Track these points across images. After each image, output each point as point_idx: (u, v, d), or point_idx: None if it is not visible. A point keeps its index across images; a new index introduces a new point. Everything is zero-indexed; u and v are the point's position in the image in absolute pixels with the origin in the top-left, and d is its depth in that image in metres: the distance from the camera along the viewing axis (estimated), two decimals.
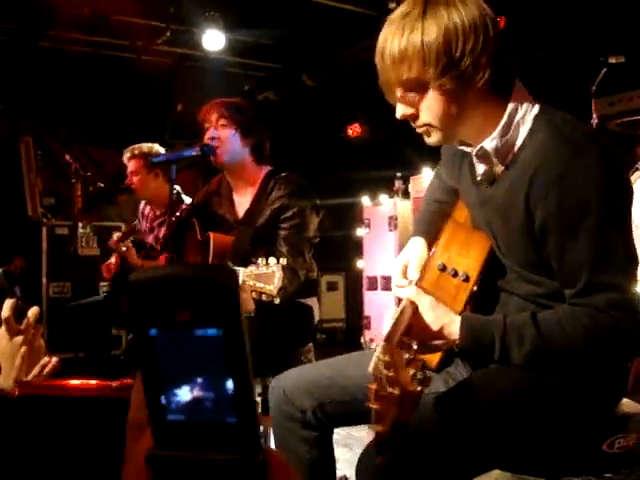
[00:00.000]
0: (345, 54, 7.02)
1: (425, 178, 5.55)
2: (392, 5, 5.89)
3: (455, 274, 1.65)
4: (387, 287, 5.95)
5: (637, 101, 4.53)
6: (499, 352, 1.48)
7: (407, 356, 1.23)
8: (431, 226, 1.89)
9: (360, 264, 6.43)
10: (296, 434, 1.83)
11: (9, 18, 6.10)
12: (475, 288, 1.63)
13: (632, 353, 1.57)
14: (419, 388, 1.20)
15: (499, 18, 5.10)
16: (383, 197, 6.14)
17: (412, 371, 1.21)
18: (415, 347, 1.28)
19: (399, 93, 1.53)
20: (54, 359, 1.59)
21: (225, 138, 2.91)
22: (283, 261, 2.17)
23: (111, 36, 6.67)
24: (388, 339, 1.28)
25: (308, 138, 7.52)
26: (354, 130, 7.61)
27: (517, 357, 1.48)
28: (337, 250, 6.84)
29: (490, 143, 1.54)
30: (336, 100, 7.40)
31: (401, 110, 1.55)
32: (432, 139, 1.59)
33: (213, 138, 2.92)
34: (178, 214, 3.37)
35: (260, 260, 2.21)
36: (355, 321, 7.06)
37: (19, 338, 1.49)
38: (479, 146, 1.56)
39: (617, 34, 4.65)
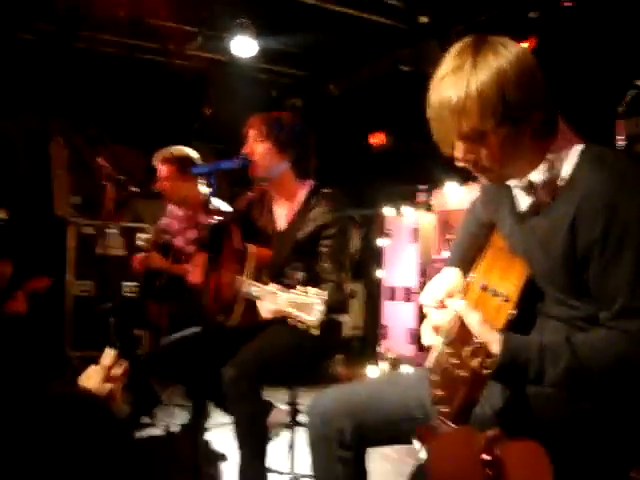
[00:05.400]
0: (373, 65, 7.07)
1: (448, 192, 5.57)
2: (423, 19, 5.93)
3: (495, 294, 1.70)
4: (406, 298, 5.97)
5: None
6: (534, 371, 1.52)
7: (469, 348, 1.42)
8: (465, 256, 1.95)
9: (380, 274, 6.44)
10: (332, 454, 1.90)
11: (46, 19, 6.19)
12: (514, 311, 1.68)
13: None
14: (485, 371, 1.41)
15: (529, 38, 5.06)
16: (406, 209, 6.15)
17: (478, 359, 1.40)
18: (475, 339, 1.45)
19: (457, 142, 1.60)
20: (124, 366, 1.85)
21: (260, 153, 2.95)
22: (324, 294, 2.13)
23: (143, 39, 6.75)
24: (446, 339, 1.46)
25: (332, 146, 7.55)
26: (377, 139, 7.62)
27: (551, 377, 1.52)
28: (358, 259, 6.84)
29: (537, 176, 1.61)
30: (360, 110, 7.44)
31: (460, 159, 1.63)
32: (489, 179, 1.69)
33: (248, 153, 2.97)
34: (220, 218, 3.41)
35: (299, 287, 2.21)
36: (373, 330, 7.08)
37: (108, 386, 1.80)
38: (526, 179, 1.62)
39: None
